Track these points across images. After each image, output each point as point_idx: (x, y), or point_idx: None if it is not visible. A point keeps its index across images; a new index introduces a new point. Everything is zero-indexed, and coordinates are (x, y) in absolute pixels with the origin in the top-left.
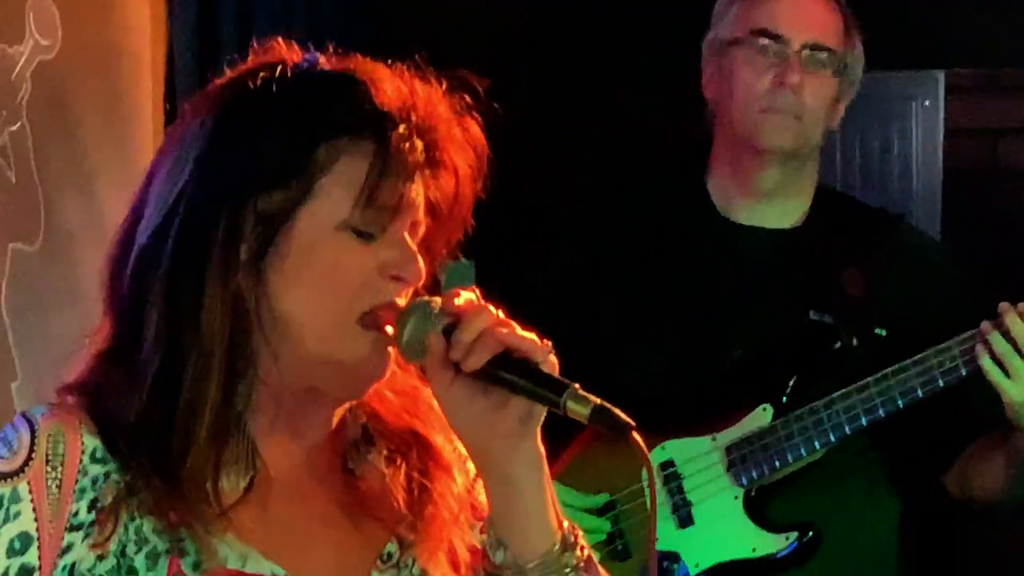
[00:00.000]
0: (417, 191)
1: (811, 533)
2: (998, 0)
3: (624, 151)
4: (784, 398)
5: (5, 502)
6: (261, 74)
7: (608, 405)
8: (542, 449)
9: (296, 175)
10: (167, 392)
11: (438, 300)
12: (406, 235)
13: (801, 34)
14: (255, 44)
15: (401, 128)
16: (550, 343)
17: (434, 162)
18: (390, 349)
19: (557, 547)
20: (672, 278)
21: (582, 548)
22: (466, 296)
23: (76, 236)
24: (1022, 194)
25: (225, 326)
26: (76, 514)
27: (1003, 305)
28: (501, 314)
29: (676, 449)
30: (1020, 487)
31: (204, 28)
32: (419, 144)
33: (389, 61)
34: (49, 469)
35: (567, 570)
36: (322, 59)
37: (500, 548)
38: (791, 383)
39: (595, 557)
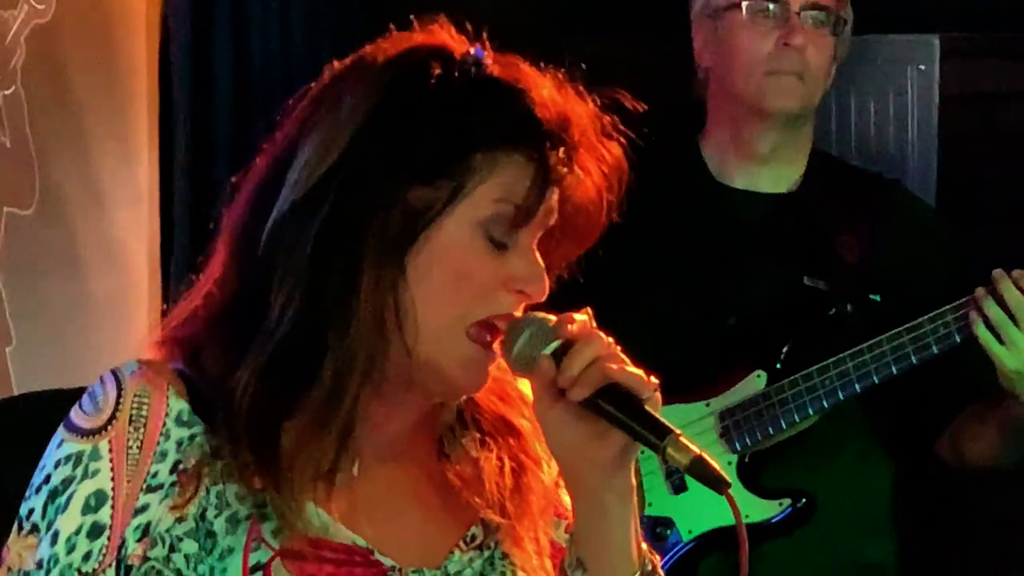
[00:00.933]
0: (554, 205)
1: (804, 500)
2: None
3: (619, 119)
4: (778, 364)
5: (85, 459)
6: (428, 64)
7: (707, 457)
8: (634, 481)
9: (449, 176)
10: (291, 376)
11: (553, 319)
12: (535, 250)
13: None
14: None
15: (560, 151)
16: (656, 381)
17: (579, 181)
18: (491, 367)
19: (637, 575)
20: (666, 243)
21: None
22: (580, 320)
23: (71, 200)
24: (1018, 159)
25: (378, 319)
26: (155, 475)
27: (997, 272)
28: (612, 343)
29: (669, 415)
30: (1012, 453)
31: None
32: (575, 165)
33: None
34: (132, 429)
35: None
36: (488, 57)
37: (580, 569)
38: (785, 349)
39: None
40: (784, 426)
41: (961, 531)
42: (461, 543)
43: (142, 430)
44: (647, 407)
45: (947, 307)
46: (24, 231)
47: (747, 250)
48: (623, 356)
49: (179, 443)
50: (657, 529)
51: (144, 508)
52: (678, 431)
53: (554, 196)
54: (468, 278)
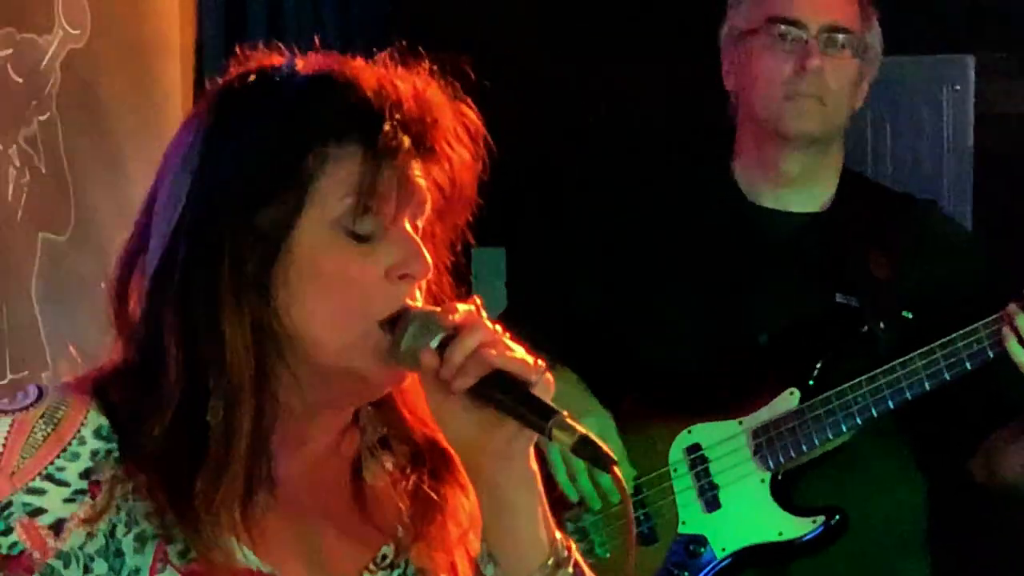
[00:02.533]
0: (413, 182)
1: (838, 517)
2: None
3: (653, 140)
4: (811, 381)
5: None
6: (242, 86)
7: (592, 436)
8: (535, 467)
9: (286, 188)
10: (193, 421)
11: (438, 310)
12: (408, 229)
13: (818, 17)
14: (276, 33)
15: (386, 126)
16: (543, 364)
17: (427, 151)
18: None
19: (550, 563)
20: (700, 262)
21: (575, 563)
22: (464, 310)
23: (106, 225)
24: None
25: (249, 351)
26: (61, 469)
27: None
28: (499, 330)
29: (703, 433)
30: None
31: (232, 14)
32: (406, 139)
33: (375, 52)
34: (42, 423)
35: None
36: (299, 62)
37: (491, 563)
38: (818, 366)
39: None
40: (817, 443)
41: (995, 554)
42: (371, 564)
43: (51, 427)
44: (534, 391)
45: (979, 323)
46: (60, 256)
47: (778, 268)
48: (509, 343)
49: (94, 452)
50: (691, 547)
51: (40, 491)
52: (564, 412)
53: (407, 180)
54: (347, 282)
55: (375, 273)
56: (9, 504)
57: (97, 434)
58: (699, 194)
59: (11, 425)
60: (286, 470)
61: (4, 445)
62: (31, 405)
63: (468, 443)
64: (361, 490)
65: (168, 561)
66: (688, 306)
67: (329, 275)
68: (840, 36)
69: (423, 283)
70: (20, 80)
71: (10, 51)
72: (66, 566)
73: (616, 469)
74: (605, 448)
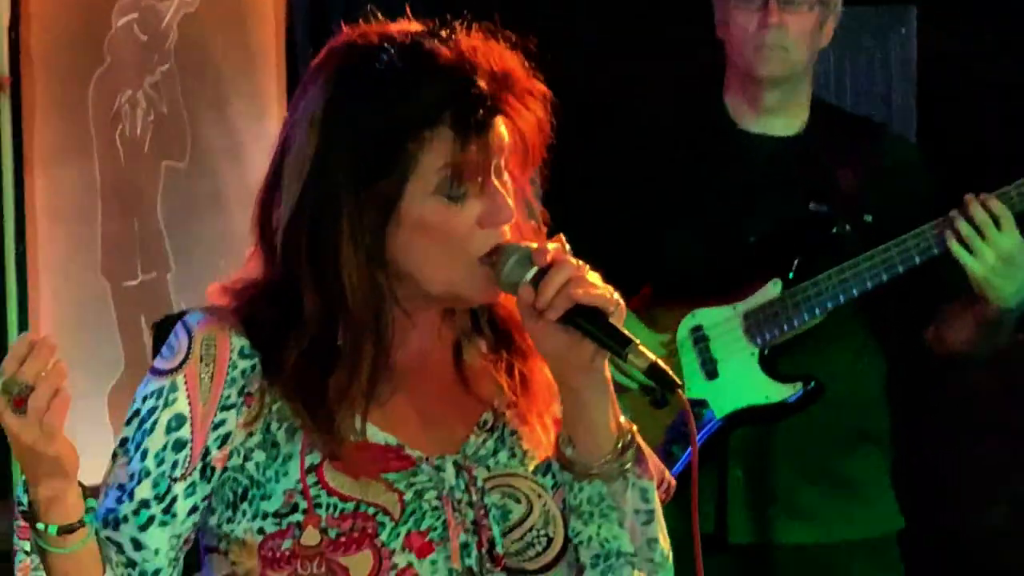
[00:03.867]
0: (497, 142)
1: (813, 383)
2: None
3: (663, 79)
4: (791, 274)
5: (165, 392)
6: (355, 66)
7: (661, 363)
8: (608, 376)
9: (392, 168)
10: (325, 343)
11: (534, 246)
12: (495, 182)
13: None
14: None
15: (470, 112)
16: (619, 297)
17: (506, 116)
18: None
19: (619, 447)
20: (700, 178)
21: (638, 447)
22: (553, 248)
23: (216, 153)
24: (985, 111)
25: (367, 292)
26: (228, 397)
27: (967, 196)
28: (581, 266)
29: (704, 316)
30: (985, 343)
31: None
32: (487, 115)
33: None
34: (203, 366)
35: (626, 466)
36: (398, 38)
37: (569, 445)
38: (796, 262)
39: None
40: (797, 324)
41: (940, 406)
42: (475, 429)
43: (212, 365)
44: (612, 320)
45: (927, 225)
46: (179, 180)
47: (763, 182)
48: (590, 277)
49: (243, 372)
50: (694, 409)
51: (222, 423)
52: (637, 340)
53: (493, 140)
54: (447, 234)
55: (469, 222)
56: (207, 450)
57: (241, 354)
58: (698, 124)
59: (185, 381)
60: (402, 359)
61: (189, 400)
62: (189, 356)
63: (556, 357)
64: (462, 369)
65: (315, 445)
66: (693, 214)
67: (433, 229)
68: (797, 13)
69: (508, 226)
70: (145, 38)
71: (136, 15)
72: (229, 458)
73: (680, 391)
74: (672, 374)
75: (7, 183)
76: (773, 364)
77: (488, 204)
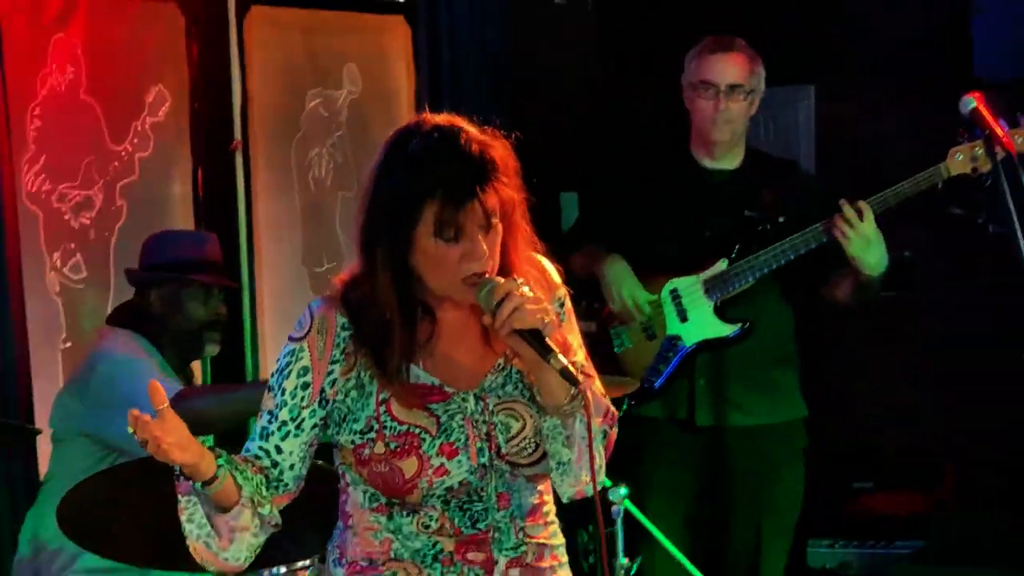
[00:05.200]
0: (473, 211)
1: (748, 324)
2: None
3: (653, 134)
4: (732, 255)
5: (296, 352)
6: (395, 145)
7: (569, 366)
8: (560, 363)
9: (406, 218)
10: (384, 317)
11: (500, 281)
12: (475, 233)
13: (724, 79)
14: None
15: (458, 189)
16: (552, 317)
17: (485, 190)
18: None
19: (567, 399)
20: (675, 196)
21: (583, 397)
22: (508, 285)
23: None
24: (855, 156)
25: (392, 291)
26: (334, 356)
27: (842, 201)
28: (526, 297)
29: (678, 283)
30: (859, 298)
31: (434, 77)
32: (470, 190)
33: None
34: (319, 336)
35: (573, 410)
36: (427, 126)
37: (537, 395)
38: (736, 248)
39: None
40: (737, 286)
41: (830, 340)
42: (491, 370)
43: (324, 335)
44: (544, 334)
45: (818, 223)
46: (349, 203)
47: (715, 198)
48: (530, 304)
49: (344, 339)
50: (673, 341)
51: (331, 372)
52: (556, 349)
53: (471, 208)
54: (441, 263)
55: (456, 257)
56: (323, 390)
57: (343, 327)
58: (672, 162)
59: (308, 346)
60: (442, 318)
61: (311, 358)
62: (310, 330)
63: (517, 352)
64: (485, 331)
65: (385, 387)
66: (670, 219)
67: (433, 258)
68: (736, 88)
69: (496, 253)
70: (326, 114)
71: (320, 99)
72: (335, 394)
73: (580, 388)
74: (575, 374)
75: (241, 209)
76: (723, 312)
77: (467, 248)
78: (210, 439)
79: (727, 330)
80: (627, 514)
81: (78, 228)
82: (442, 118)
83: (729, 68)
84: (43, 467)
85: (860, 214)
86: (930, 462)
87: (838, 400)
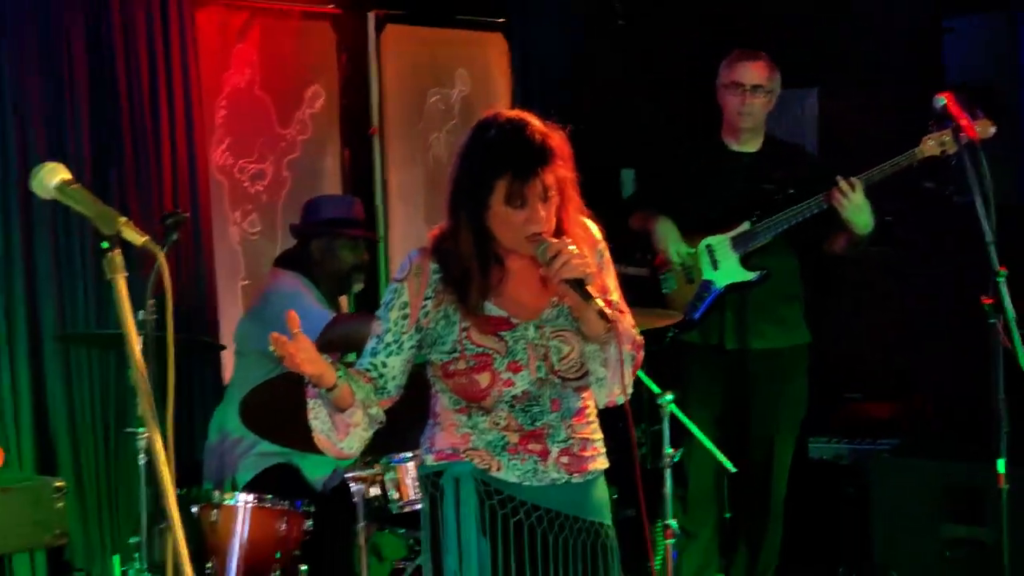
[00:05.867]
0: (535, 185)
1: (766, 271)
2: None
3: (695, 124)
4: (753, 218)
5: (399, 290)
6: (477, 132)
7: (604, 308)
8: (597, 305)
9: (482, 192)
10: (465, 266)
11: (553, 241)
12: (535, 202)
13: (750, 80)
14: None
15: (523, 169)
16: (595, 268)
17: (544, 171)
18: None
19: (603, 331)
20: (710, 172)
21: (617, 333)
22: (559, 242)
23: None
24: (847, 140)
25: (472, 244)
26: (427, 294)
27: (838, 177)
28: (573, 253)
29: (712, 240)
30: (852, 250)
31: (524, 79)
32: (533, 169)
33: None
34: (415, 279)
35: (607, 339)
36: (502, 119)
37: (581, 327)
38: (757, 212)
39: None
40: (758, 242)
41: (829, 282)
42: (548, 305)
43: (420, 277)
44: (586, 283)
45: (820, 194)
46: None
47: (741, 175)
48: (576, 259)
49: (435, 281)
50: (707, 285)
51: (425, 306)
52: (596, 295)
53: (533, 184)
54: (511, 223)
55: (521, 219)
56: (418, 319)
57: (434, 272)
58: (707, 148)
59: (407, 286)
60: (509, 266)
61: (409, 295)
62: (409, 273)
63: (565, 297)
64: (540, 267)
65: (465, 318)
66: (706, 191)
67: (503, 220)
68: (759, 89)
69: (554, 218)
70: (443, 108)
71: (438, 96)
72: (428, 323)
73: (607, 323)
74: (609, 312)
75: (377, 180)
76: (747, 261)
77: (530, 213)
78: (353, 355)
79: (750, 276)
80: (672, 415)
81: (253, 193)
82: (513, 112)
83: (754, 72)
84: (226, 374)
85: (852, 187)
86: (904, 377)
87: (836, 330)
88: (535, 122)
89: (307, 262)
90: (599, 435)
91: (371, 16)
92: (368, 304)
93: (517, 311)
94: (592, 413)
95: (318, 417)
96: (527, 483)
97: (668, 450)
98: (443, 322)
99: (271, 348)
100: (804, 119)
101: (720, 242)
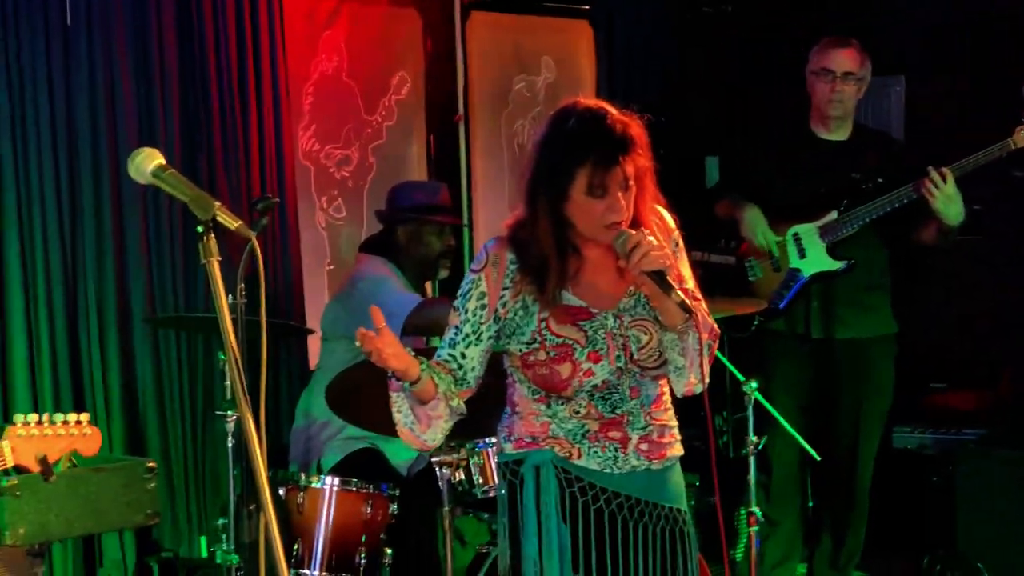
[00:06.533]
0: (616, 173)
1: (853, 261)
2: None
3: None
4: (841, 207)
5: (476, 280)
6: (555, 121)
7: (684, 299)
8: (676, 297)
9: (564, 181)
10: (543, 256)
11: (632, 232)
12: (615, 191)
13: (841, 68)
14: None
15: (604, 157)
16: (673, 260)
17: (624, 160)
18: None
19: (682, 321)
20: (800, 160)
21: (696, 323)
22: (638, 234)
23: None
24: (941, 128)
25: (550, 233)
26: (505, 284)
27: (929, 168)
28: (652, 244)
29: (800, 228)
30: (942, 241)
31: (609, 67)
32: (613, 157)
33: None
34: (492, 269)
35: (686, 328)
36: (580, 107)
37: (658, 322)
38: (844, 202)
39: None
40: (845, 232)
41: (919, 272)
42: (625, 295)
43: (497, 267)
44: (665, 274)
45: (909, 184)
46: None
47: (830, 162)
48: (655, 251)
49: (512, 271)
50: (794, 273)
51: (503, 296)
52: (675, 286)
53: (613, 173)
54: (590, 212)
55: (601, 209)
56: (496, 310)
57: (511, 262)
58: (797, 133)
59: (485, 276)
60: (587, 255)
61: (487, 285)
62: (486, 263)
63: (644, 286)
64: (617, 259)
65: (544, 307)
66: (797, 177)
67: (583, 208)
68: (849, 76)
69: (631, 207)
70: (528, 94)
71: (523, 83)
72: (507, 313)
73: (688, 313)
74: (688, 303)
75: (463, 166)
76: (834, 250)
77: (610, 202)
78: (437, 340)
79: (837, 265)
80: (756, 403)
81: (339, 179)
82: (592, 101)
83: (844, 59)
84: (312, 359)
85: (944, 177)
86: (992, 368)
87: (924, 319)
88: (614, 111)
89: (393, 248)
90: (675, 422)
91: (457, 3)
92: (453, 290)
93: (595, 300)
94: (668, 400)
95: (401, 410)
96: (607, 470)
97: (752, 438)
98: (521, 312)
99: (357, 344)
100: (891, 107)
101: (808, 231)
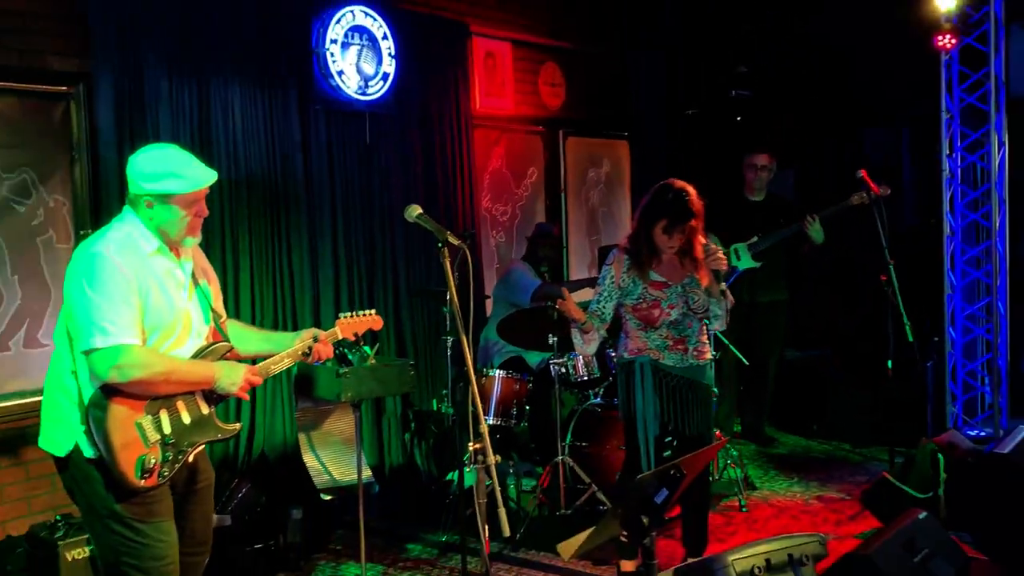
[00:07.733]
0: (681, 229)
1: (765, 263)
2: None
3: (733, 188)
4: (760, 234)
5: (609, 269)
6: (658, 193)
7: (724, 287)
8: (722, 285)
9: (651, 225)
10: (640, 255)
11: (712, 246)
12: (679, 234)
13: (760, 163)
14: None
15: (677, 219)
16: (724, 267)
17: (689, 222)
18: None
19: (718, 295)
20: (740, 208)
21: (726, 295)
22: (716, 249)
23: None
24: (811, 197)
25: (645, 247)
26: (624, 272)
27: (808, 213)
28: (720, 254)
29: (738, 245)
30: (813, 252)
31: (640, 165)
32: (681, 222)
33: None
34: (616, 263)
35: (720, 296)
36: (672, 189)
37: (707, 289)
38: (760, 232)
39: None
40: (762, 247)
41: (802, 273)
42: (686, 276)
43: (619, 263)
44: (719, 272)
45: (796, 223)
46: (608, 218)
47: (756, 216)
48: (720, 261)
49: (627, 264)
50: (734, 268)
51: (622, 277)
52: (723, 284)
53: (681, 227)
54: (664, 241)
55: (669, 240)
56: (620, 284)
57: (626, 260)
58: (738, 198)
59: (613, 270)
60: (662, 257)
61: (614, 274)
62: (614, 260)
63: (701, 272)
64: (680, 258)
65: (642, 281)
66: (739, 225)
67: (660, 239)
68: (764, 167)
69: (685, 240)
70: (595, 179)
71: (593, 173)
72: (623, 287)
73: (725, 290)
74: (726, 289)
75: (563, 216)
76: (756, 257)
77: (676, 240)
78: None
79: (757, 264)
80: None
81: (502, 221)
82: (679, 183)
83: (762, 159)
84: (487, 311)
85: (814, 219)
86: (830, 318)
87: (800, 294)
88: (691, 190)
89: (533, 257)
90: (709, 342)
91: (560, 132)
92: (555, 278)
93: (670, 277)
94: (705, 330)
95: (576, 338)
96: (677, 365)
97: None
98: (631, 284)
99: (556, 306)
100: (787, 183)
101: (742, 247)
